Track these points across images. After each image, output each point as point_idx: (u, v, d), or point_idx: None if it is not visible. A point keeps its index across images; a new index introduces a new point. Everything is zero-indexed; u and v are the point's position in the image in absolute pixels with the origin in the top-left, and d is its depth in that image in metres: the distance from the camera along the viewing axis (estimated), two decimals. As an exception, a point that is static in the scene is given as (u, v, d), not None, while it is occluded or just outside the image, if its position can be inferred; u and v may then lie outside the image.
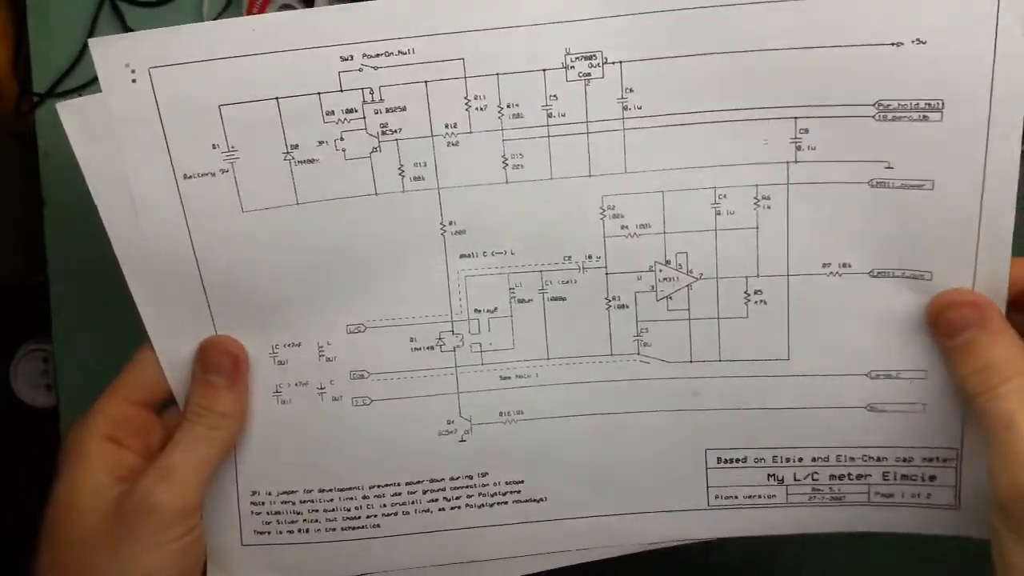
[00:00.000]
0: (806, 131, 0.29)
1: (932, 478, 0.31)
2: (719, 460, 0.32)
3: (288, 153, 0.30)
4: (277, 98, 0.29)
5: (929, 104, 0.28)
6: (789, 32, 0.28)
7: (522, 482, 0.33)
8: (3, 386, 0.54)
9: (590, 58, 0.29)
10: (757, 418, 0.32)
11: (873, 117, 0.28)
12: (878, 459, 0.31)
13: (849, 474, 0.32)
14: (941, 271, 0.29)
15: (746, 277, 0.31)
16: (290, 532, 0.33)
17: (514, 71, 0.29)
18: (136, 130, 0.30)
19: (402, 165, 0.30)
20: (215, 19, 0.42)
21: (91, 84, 0.44)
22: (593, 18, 0.29)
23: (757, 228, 0.30)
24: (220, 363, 0.32)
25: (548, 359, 0.32)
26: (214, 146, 0.30)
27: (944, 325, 0.29)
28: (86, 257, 0.44)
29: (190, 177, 0.30)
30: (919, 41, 0.27)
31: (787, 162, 0.29)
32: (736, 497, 0.33)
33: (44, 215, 0.43)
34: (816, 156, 0.29)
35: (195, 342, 0.32)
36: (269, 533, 0.33)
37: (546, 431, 0.32)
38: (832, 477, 0.32)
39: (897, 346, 0.30)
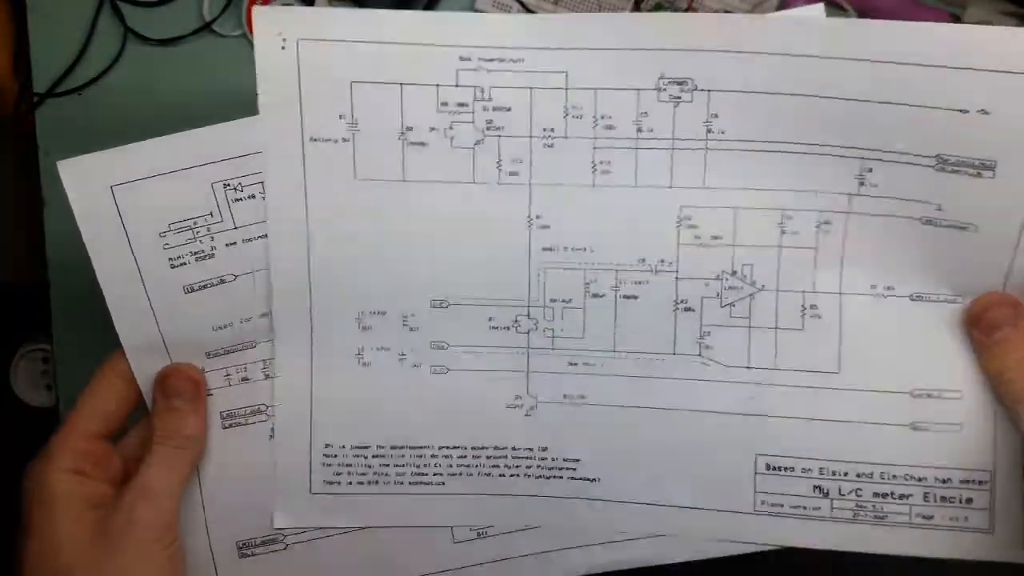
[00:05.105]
0: (870, 170, 0.32)
1: (969, 500, 0.33)
2: (768, 467, 0.34)
3: (403, 134, 0.33)
4: (401, 83, 0.33)
5: (984, 163, 0.31)
6: (865, 85, 0.31)
7: (579, 461, 0.35)
8: (3, 386, 0.54)
9: (682, 83, 0.32)
10: (806, 428, 0.34)
11: (932, 167, 0.32)
12: (919, 479, 0.34)
13: (892, 492, 0.34)
14: (972, 297, 0.33)
15: (803, 292, 0.34)
16: (360, 483, 0.36)
17: (611, 87, 0.33)
18: (277, 93, 0.33)
19: (500, 160, 0.34)
20: (216, 18, 0.42)
21: (91, 84, 0.44)
22: (688, 50, 0.32)
23: (816, 249, 0.33)
24: (182, 388, 0.34)
25: (615, 351, 0.34)
26: (340, 116, 0.33)
27: (984, 324, 0.32)
28: (86, 257, 0.44)
29: (316, 140, 0.33)
30: (983, 111, 0.31)
31: (849, 194, 0.33)
32: (782, 506, 0.34)
33: (44, 215, 0.43)
34: (877, 192, 0.32)
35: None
36: (339, 483, 0.36)
37: (606, 417, 0.35)
38: (876, 495, 0.34)
39: (935, 366, 0.33)
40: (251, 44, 0.44)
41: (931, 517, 0.34)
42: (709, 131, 0.33)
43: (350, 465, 0.35)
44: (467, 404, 0.35)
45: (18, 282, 0.53)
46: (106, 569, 0.31)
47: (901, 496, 0.34)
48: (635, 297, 0.34)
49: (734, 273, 0.34)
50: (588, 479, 0.35)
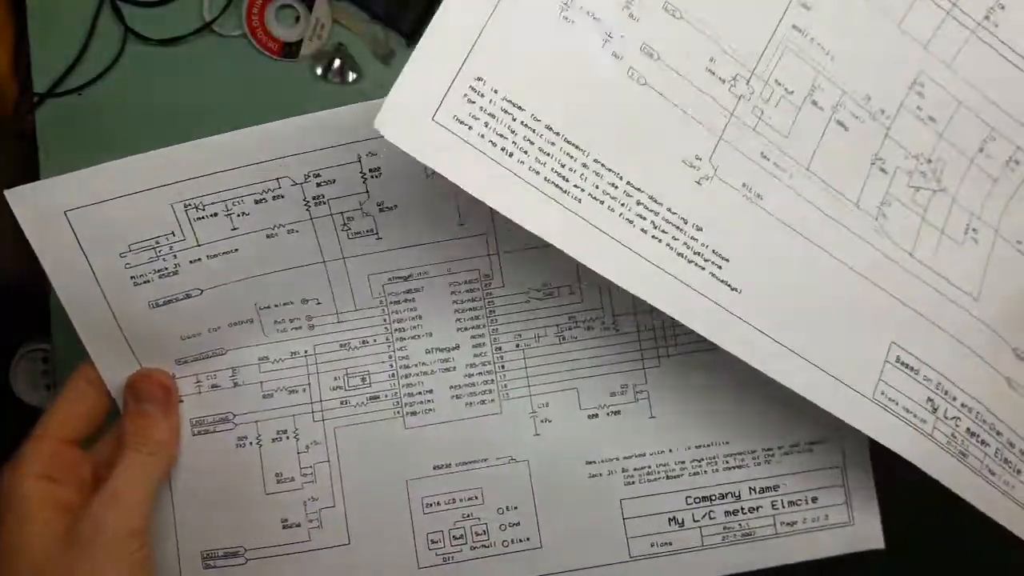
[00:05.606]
0: None
1: (1018, 471, 0.34)
2: (898, 360, 0.33)
3: None
4: None
5: None
6: None
7: (728, 261, 0.32)
8: (3, 386, 0.54)
9: None
10: (942, 339, 0.34)
11: None
12: (998, 433, 0.34)
13: (979, 436, 0.34)
14: None
15: (971, 213, 0.34)
16: (491, 143, 0.29)
17: None
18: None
19: None
20: (216, 18, 0.42)
21: (91, 84, 0.44)
22: None
23: (996, 181, 0.34)
24: (152, 392, 0.35)
25: (808, 169, 0.32)
26: None
27: None
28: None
29: None
30: None
31: None
32: (896, 403, 0.33)
33: (44, 215, 0.43)
34: None
35: None
36: (470, 128, 0.29)
37: (773, 231, 0.32)
38: (968, 431, 0.34)
39: None
40: (252, 44, 0.44)
41: (994, 473, 0.34)
42: (987, 18, 0.32)
43: (493, 116, 0.29)
44: (644, 129, 0.31)
45: (18, 282, 0.53)
46: (74, 574, 0.31)
47: (983, 442, 0.34)
48: (845, 128, 0.32)
49: (930, 162, 0.33)
50: (730, 286, 0.31)
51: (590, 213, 0.30)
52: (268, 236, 0.34)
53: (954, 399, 0.34)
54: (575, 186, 0.30)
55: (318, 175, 0.33)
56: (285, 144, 0.33)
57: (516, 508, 0.36)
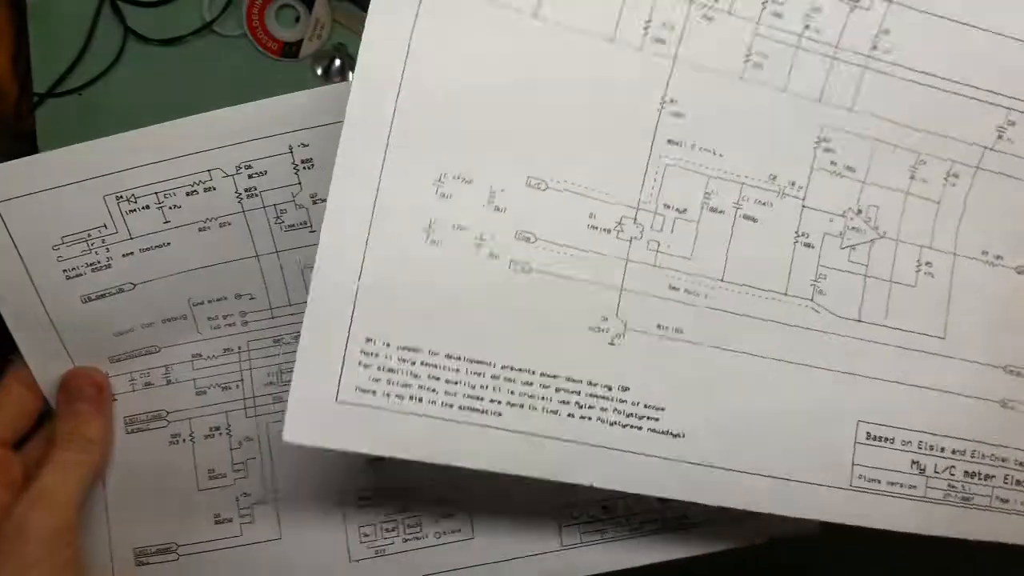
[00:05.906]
0: (1012, 123, 0.31)
1: None
2: (868, 436, 0.32)
3: None
4: None
5: None
6: None
7: (663, 410, 0.31)
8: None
9: None
10: (909, 395, 0.32)
11: None
12: (1002, 460, 0.32)
13: (979, 473, 0.32)
14: None
15: (921, 247, 0.32)
16: (399, 398, 0.29)
17: None
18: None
19: (650, 20, 0.29)
20: (216, 18, 0.42)
21: (91, 84, 0.44)
22: None
23: (939, 202, 0.31)
24: (84, 391, 0.34)
25: (722, 280, 0.31)
26: None
27: None
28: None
29: None
30: None
31: (984, 147, 0.31)
32: (879, 482, 0.32)
33: (44, 215, 0.43)
34: (1012, 149, 0.31)
35: None
36: (374, 393, 0.29)
37: (701, 360, 0.31)
38: (966, 474, 0.32)
39: None
40: (252, 44, 0.44)
41: (1007, 501, 0.32)
42: (874, 47, 0.30)
43: (392, 371, 0.29)
44: (543, 317, 0.30)
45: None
46: None
47: (986, 477, 0.32)
48: (755, 220, 0.30)
49: (859, 212, 0.31)
50: (672, 433, 0.30)
51: (513, 422, 0.30)
52: (200, 229, 0.34)
53: (942, 450, 0.32)
54: (491, 401, 0.30)
55: (250, 167, 0.33)
56: (216, 135, 0.33)
57: (450, 500, 0.36)
